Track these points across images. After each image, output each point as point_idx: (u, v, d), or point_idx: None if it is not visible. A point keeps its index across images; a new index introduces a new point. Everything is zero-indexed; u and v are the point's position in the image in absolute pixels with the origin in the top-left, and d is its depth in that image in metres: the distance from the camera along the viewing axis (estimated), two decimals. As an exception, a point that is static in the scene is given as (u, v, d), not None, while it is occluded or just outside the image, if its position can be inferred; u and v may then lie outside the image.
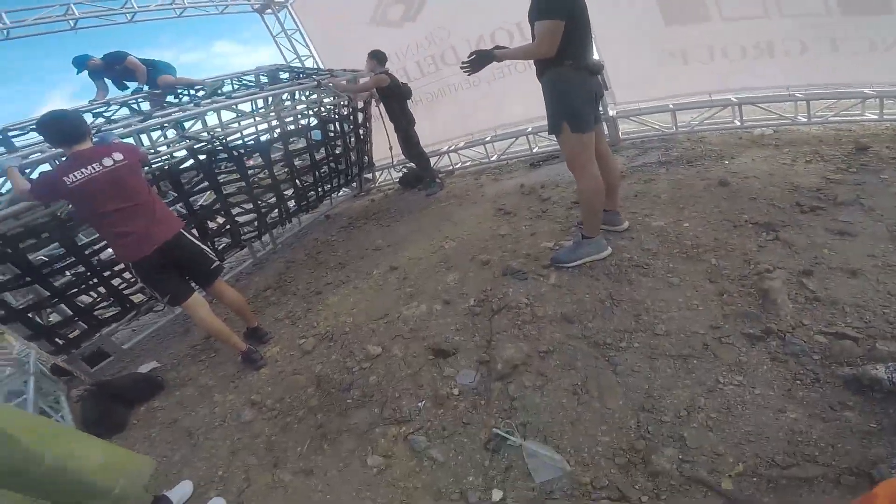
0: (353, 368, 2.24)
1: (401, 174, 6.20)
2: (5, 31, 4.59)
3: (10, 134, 3.67)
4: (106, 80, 4.58)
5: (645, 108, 4.82)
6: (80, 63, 4.41)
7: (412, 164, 5.57)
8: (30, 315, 2.88)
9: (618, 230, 2.69)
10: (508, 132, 5.74)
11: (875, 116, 3.64)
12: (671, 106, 4.61)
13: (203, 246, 2.62)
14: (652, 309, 2.02)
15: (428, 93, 6.08)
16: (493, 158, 5.82)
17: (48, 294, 2.95)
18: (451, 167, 6.12)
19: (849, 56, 3.48)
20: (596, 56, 2.44)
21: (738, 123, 4.30)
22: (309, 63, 6.72)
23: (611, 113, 4.81)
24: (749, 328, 1.80)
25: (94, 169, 2.18)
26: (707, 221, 2.56)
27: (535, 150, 5.49)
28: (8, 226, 2.69)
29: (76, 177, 2.14)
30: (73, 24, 4.89)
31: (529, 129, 5.43)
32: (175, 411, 2.48)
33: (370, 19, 6.03)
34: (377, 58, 4.86)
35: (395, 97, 4.85)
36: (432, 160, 5.97)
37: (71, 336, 3.10)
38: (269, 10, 6.40)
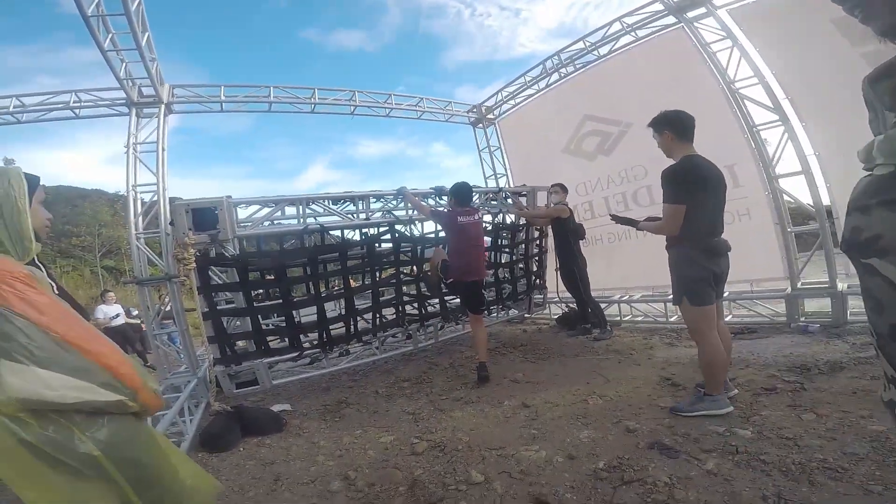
0: (449, 485, 2.10)
1: (561, 312, 5.97)
2: (220, 104, 5.58)
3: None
4: None
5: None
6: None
7: (574, 304, 5.35)
8: (223, 318, 3.67)
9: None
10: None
11: None
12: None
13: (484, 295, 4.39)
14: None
15: (611, 232, 5.59)
16: (673, 319, 5.04)
17: (245, 305, 3.74)
18: (618, 318, 5.54)
19: None
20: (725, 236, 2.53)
21: None
22: (502, 181, 7.58)
23: (839, 287, 3.95)
24: None
25: (471, 218, 3.87)
26: (960, 433, 1.87)
27: (728, 319, 4.58)
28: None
29: (464, 219, 3.81)
30: (268, 107, 5.91)
31: (727, 294, 4.60)
32: (277, 454, 2.73)
33: (564, 148, 6.11)
34: (565, 190, 5.06)
35: (571, 232, 4.89)
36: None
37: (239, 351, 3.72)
38: (481, 125, 7.74)
